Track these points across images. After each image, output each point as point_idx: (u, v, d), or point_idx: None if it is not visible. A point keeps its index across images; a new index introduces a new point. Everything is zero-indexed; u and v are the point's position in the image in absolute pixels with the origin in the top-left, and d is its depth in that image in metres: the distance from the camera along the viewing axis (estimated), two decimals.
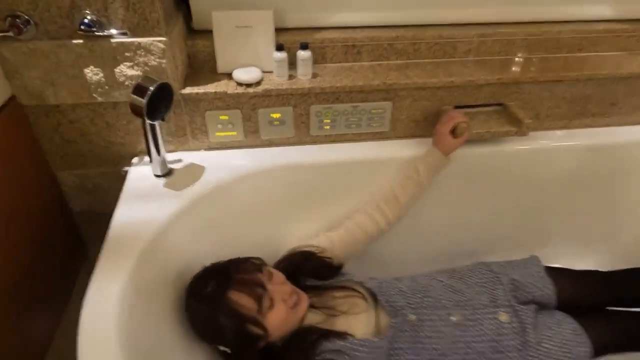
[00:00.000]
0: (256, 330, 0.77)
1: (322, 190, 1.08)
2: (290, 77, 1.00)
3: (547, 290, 0.96)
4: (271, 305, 0.78)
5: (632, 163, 1.19)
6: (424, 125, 1.10)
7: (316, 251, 0.95)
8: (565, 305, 0.98)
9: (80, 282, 1.15)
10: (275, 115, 1.02)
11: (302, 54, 0.97)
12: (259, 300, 0.77)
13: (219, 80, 0.99)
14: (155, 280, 0.81)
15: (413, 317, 0.88)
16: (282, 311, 0.79)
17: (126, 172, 0.99)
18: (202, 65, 1.02)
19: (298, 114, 1.03)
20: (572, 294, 0.99)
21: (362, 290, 0.93)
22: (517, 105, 1.08)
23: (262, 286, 0.79)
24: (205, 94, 0.95)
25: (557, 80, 1.07)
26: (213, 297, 0.78)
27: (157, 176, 0.96)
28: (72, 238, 1.14)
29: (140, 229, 0.84)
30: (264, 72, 1.00)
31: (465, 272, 1.00)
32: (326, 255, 0.96)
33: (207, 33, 0.99)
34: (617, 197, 1.26)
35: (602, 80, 1.10)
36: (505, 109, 1.09)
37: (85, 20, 0.81)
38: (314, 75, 1.01)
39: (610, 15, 1.16)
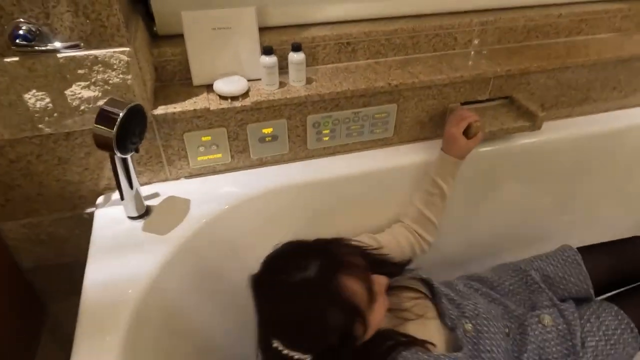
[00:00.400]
0: (360, 327, 0.61)
1: (329, 209, 0.95)
2: (281, 84, 0.85)
3: (584, 284, 0.88)
4: (375, 299, 0.62)
5: None
6: (430, 127, 0.99)
7: (368, 247, 0.80)
8: (601, 285, 0.90)
9: (43, 348, 0.95)
10: (267, 131, 0.87)
11: (295, 57, 0.82)
12: (369, 289, 0.61)
13: (196, 94, 0.82)
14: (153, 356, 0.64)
15: (469, 327, 0.76)
16: (384, 306, 0.64)
17: (91, 215, 0.81)
18: (172, 78, 0.85)
19: (293, 126, 0.88)
20: (610, 271, 0.92)
21: (425, 291, 0.80)
22: (525, 97, 1.00)
23: (368, 273, 0.63)
24: (182, 112, 0.78)
25: (564, 68, 1.00)
26: (319, 283, 0.58)
27: (133, 218, 0.78)
28: (26, 299, 0.93)
29: (121, 291, 0.66)
30: (249, 80, 0.84)
31: (494, 279, 0.90)
32: (382, 252, 0.80)
33: (176, 38, 0.82)
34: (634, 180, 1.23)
35: (605, 64, 1.04)
36: (514, 102, 1.01)
37: (20, 32, 0.62)
38: (309, 81, 0.87)
39: None
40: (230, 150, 0.87)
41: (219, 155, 0.87)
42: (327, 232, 0.97)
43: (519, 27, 1.02)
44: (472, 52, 1.01)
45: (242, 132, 0.85)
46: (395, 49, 0.96)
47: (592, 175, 1.17)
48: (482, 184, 1.06)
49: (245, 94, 0.82)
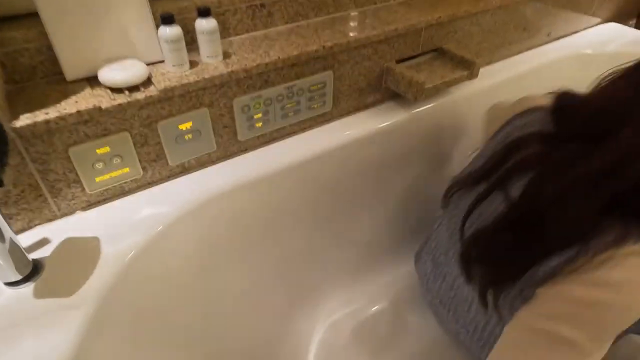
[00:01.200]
0: None
1: (281, 209, 0.79)
2: (193, 64, 0.66)
3: None
4: None
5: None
6: (368, 92, 0.88)
7: None
8: None
9: None
10: (186, 126, 0.67)
11: (205, 25, 0.63)
12: None
13: (75, 92, 0.59)
14: None
15: None
16: None
17: None
18: (32, 75, 0.60)
19: (217, 115, 0.69)
20: None
21: None
22: (455, 48, 0.94)
23: None
24: (60, 119, 0.54)
25: (485, 11, 0.96)
26: None
27: (14, 284, 0.53)
28: None
29: None
30: (148, 64, 0.63)
31: None
32: None
33: (27, 18, 0.58)
34: None
35: (517, 5, 1.03)
36: (445, 54, 0.94)
37: None
38: (226, 55, 0.69)
39: None
40: (140, 161, 0.66)
41: (126, 169, 0.65)
42: (289, 236, 0.81)
43: None
44: (394, 4, 0.91)
45: (153, 133, 0.64)
46: (316, 8, 0.82)
47: None
48: (435, 143, 0.99)
49: (148, 82, 0.61)
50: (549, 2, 1.11)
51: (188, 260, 0.69)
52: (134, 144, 0.63)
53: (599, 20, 1.34)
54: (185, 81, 0.62)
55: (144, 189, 0.68)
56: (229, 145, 0.74)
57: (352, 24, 0.81)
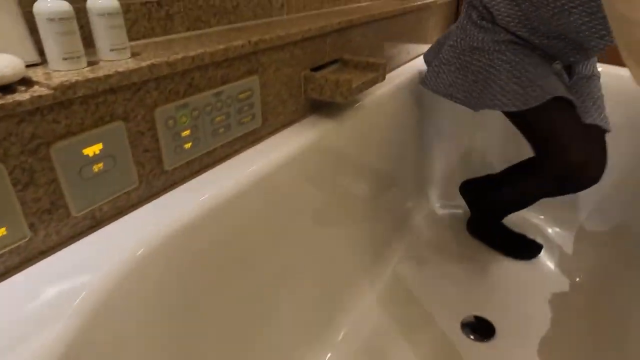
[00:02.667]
0: None
1: (224, 260, 0.59)
2: (90, 63, 0.46)
3: None
4: None
5: None
6: (291, 104, 0.77)
7: None
8: None
9: None
10: (94, 150, 0.45)
11: (103, 4, 0.45)
12: None
13: None
14: None
15: None
16: None
17: None
18: None
19: (136, 132, 0.49)
20: None
21: None
22: (353, 56, 0.93)
23: None
24: None
25: (372, 21, 0.99)
26: None
27: None
28: None
29: None
30: (28, 65, 0.41)
31: None
32: None
33: None
34: None
35: (392, 19, 1.10)
36: (347, 63, 0.92)
37: None
38: (133, 54, 0.51)
39: None
40: (26, 215, 0.40)
41: (2, 230, 0.39)
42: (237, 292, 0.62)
43: None
44: (289, 18, 0.86)
45: (43, 163, 0.41)
46: (217, 13, 0.70)
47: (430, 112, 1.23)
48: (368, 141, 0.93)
49: (29, 83, 0.39)
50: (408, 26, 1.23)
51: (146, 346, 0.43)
52: (14, 186, 0.39)
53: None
54: (90, 76, 0.42)
55: (34, 262, 0.42)
56: (154, 178, 0.53)
57: (256, 32, 0.72)
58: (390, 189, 1.12)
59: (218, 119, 0.61)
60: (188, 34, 0.65)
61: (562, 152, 0.88)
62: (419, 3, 1.21)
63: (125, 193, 0.50)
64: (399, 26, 1.17)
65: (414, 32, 1.29)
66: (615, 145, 0.93)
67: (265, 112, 0.71)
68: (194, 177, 0.60)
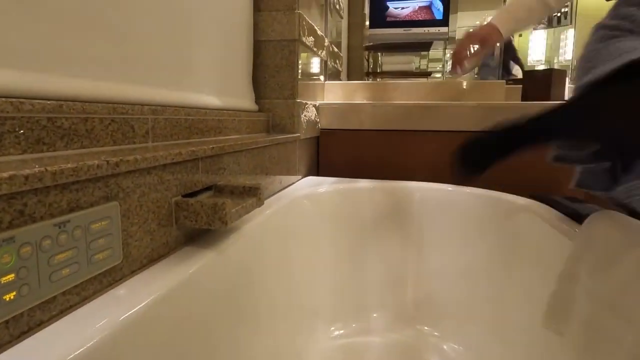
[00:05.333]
0: None
1: None
2: None
3: None
4: None
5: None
6: (161, 236, 0.66)
7: None
8: None
9: None
10: None
11: None
12: None
13: None
14: None
15: None
16: None
17: None
18: None
19: None
20: None
21: None
22: (227, 182, 0.89)
23: None
24: None
25: (244, 150, 0.98)
26: None
27: None
28: None
29: None
30: None
31: None
32: None
33: None
34: None
35: (260, 151, 1.11)
36: (223, 190, 0.86)
37: None
38: None
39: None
40: None
41: None
42: None
43: (181, 120, 0.91)
44: (150, 146, 0.79)
45: None
46: (66, 135, 0.60)
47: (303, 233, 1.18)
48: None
49: None
50: (275, 158, 1.27)
51: None
52: None
53: (301, 175, 1.63)
54: None
55: None
56: None
57: (112, 156, 0.63)
58: (286, 323, 0.99)
59: (60, 256, 0.46)
60: (24, 156, 0.53)
61: None
62: (286, 137, 1.28)
63: None
64: (269, 157, 1.19)
65: (284, 163, 1.33)
66: None
67: (128, 245, 0.58)
68: (17, 341, 0.42)
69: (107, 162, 0.52)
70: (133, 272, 0.60)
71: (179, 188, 0.71)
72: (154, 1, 0.83)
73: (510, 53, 2.74)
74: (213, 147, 0.81)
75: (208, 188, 0.85)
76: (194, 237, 0.76)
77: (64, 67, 0.63)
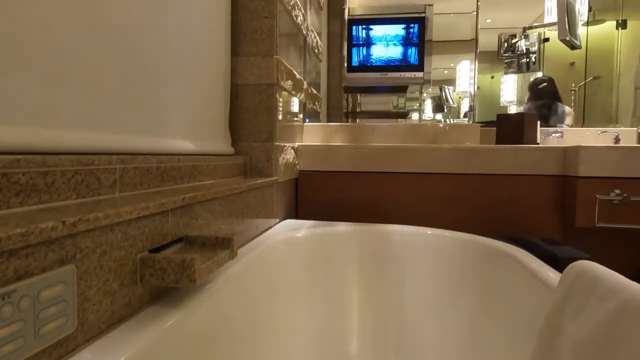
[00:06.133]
0: None
1: None
2: None
3: None
4: None
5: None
6: (123, 297, 0.62)
7: None
8: None
9: None
10: None
11: None
12: None
13: None
14: None
15: None
16: None
17: None
18: None
19: None
20: None
21: None
22: (199, 233, 0.85)
23: None
24: None
25: (218, 197, 0.95)
26: None
27: None
28: None
29: None
30: None
31: None
32: None
33: None
34: None
35: (236, 197, 1.08)
36: (193, 242, 0.82)
37: None
38: None
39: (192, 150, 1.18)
40: None
41: None
42: None
43: (152, 168, 0.88)
44: (119, 196, 0.76)
45: None
46: (21, 192, 0.56)
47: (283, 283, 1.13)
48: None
49: None
50: (251, 204, 1.24)
51: None
52: None
53: (279, 219, 1.60)
54: None
55: None
56: None
57: (77, 211, 0.60)
58: None
59: (3, 331, 0.42)
60: None
61: None
62: (262, 181, 1.26)
63: None
64: (246, 202, 1.16)
65: (261, 207, 1.30)
66: None
67: (85, 310, 0.54)
68: None
69: (63, 222, 0.48)
70: (89, 340, 0.55)
71: (145, 243, 0.68)
72: (122, 43, 0.82)
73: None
74: (184, 198, 0.78)
75: (179, 240, 0.81)
76: (161, 294, 0.71)
77: (21, 117, 0.60)
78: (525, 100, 2.53)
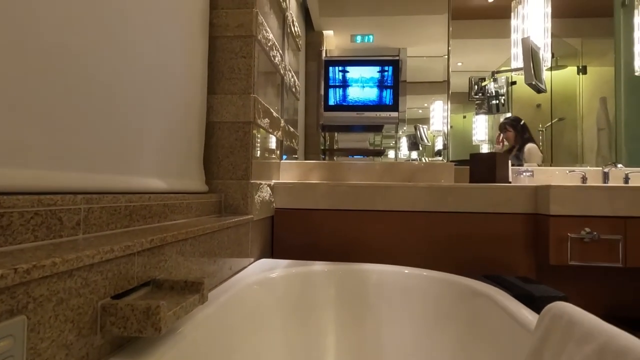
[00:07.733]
0: None
1: None
2: None
3: None
4: None
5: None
6: (80, 349, 0.57)
7: None
8: None
9: None
10: None
11: None
12: None
13: None
14: None
15: None
16: None
17: None
18: None
19: None
20: None
21: None
22: (168, 276, 0.81)
23: None
24: None
25: (190, 238, 0.91)
26: None
27: None
28: None
29: None
30: None
31: None
32: None
33: None
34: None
35: (208, 237, 1.05)
36: (161, 286, 0.78)
37: None
38: None
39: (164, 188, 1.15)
40: None
41: None
42: None
43: (121, 207, 0.85)
44: (82, 239, 0.72)
45: None
46: None
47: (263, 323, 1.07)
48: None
49: None
50: (227, 242, 1.20)
51: None
52: None
53: (254, 258, 1.56)
54: None
55: None
56: None
57: (38, 252, 0.56)
58: None
59: None
60: None
61: None
62: (237, 219, 1.23)
63: None
64: (219, 241, 1.13)
65: (235, 246, 1.26)
66: None
67: None
68: None
69: (15, 270, 0.45)
70: None
71: (108, 289, 0.64)
72: (92, 77, 0.81)
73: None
74: (152, 239, 0.75)
75: (145, 284, 0.77)
76: (123, 344, 0.67)
77: None
78: (495, 139, 2.62)
